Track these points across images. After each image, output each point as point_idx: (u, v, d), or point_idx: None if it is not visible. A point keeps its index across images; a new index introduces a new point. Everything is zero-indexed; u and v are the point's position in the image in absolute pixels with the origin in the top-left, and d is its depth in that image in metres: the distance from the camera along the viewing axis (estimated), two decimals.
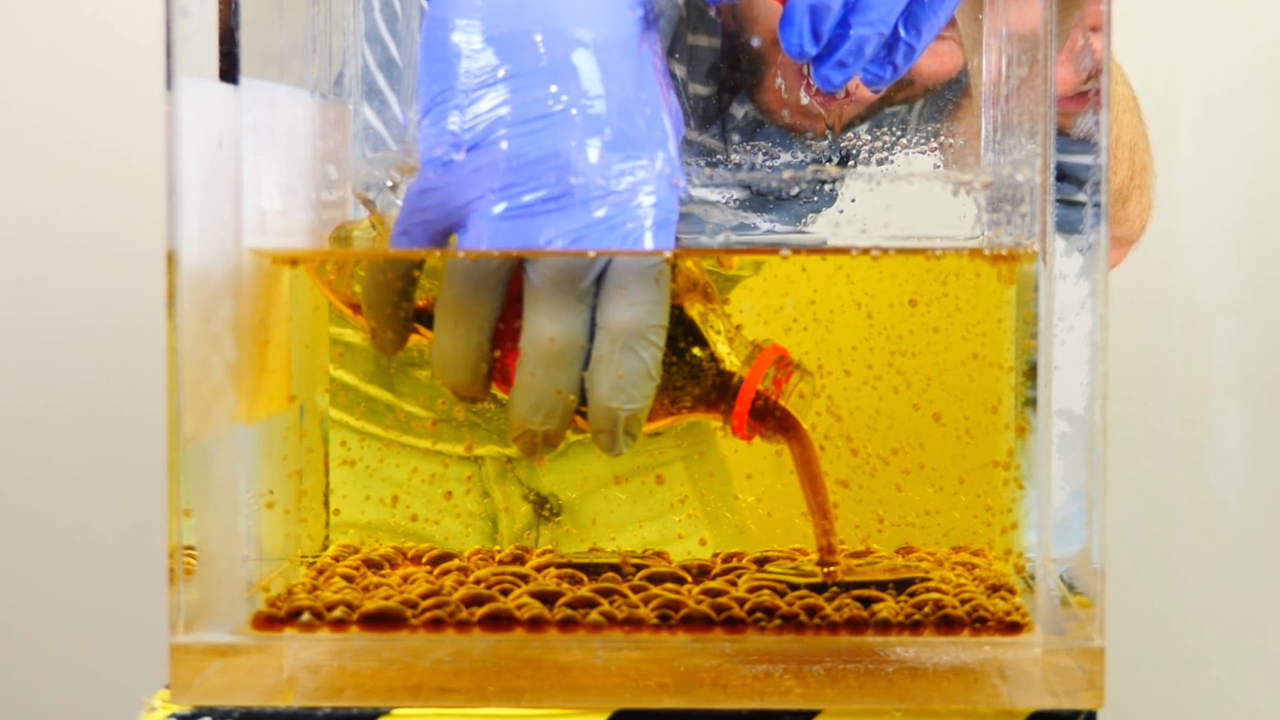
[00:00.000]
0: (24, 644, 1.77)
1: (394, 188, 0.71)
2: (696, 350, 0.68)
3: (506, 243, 0.64)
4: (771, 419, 0.69)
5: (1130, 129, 1.05)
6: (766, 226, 0.89)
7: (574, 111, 0.64)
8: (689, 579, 0.70)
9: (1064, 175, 0.66)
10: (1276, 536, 1.81)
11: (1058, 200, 0.66)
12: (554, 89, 0.64)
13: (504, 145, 0.64)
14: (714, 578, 0.70)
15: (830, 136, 0.83)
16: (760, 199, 0.86)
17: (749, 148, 0.92)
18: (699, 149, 0.94)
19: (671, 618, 0.65)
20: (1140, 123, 1.07)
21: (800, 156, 0.78)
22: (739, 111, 0.95)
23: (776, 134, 0.95)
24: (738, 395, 0.68)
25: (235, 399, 0.66)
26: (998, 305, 0.72)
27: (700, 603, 0.66)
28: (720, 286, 0.70)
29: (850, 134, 0.85)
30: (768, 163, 0.86)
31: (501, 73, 0.64)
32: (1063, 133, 0.66)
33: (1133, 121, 1.06)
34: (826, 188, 0.75)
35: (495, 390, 0.68)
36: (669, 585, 0.69)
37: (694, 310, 0.68)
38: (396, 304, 0.68)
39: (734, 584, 0.69)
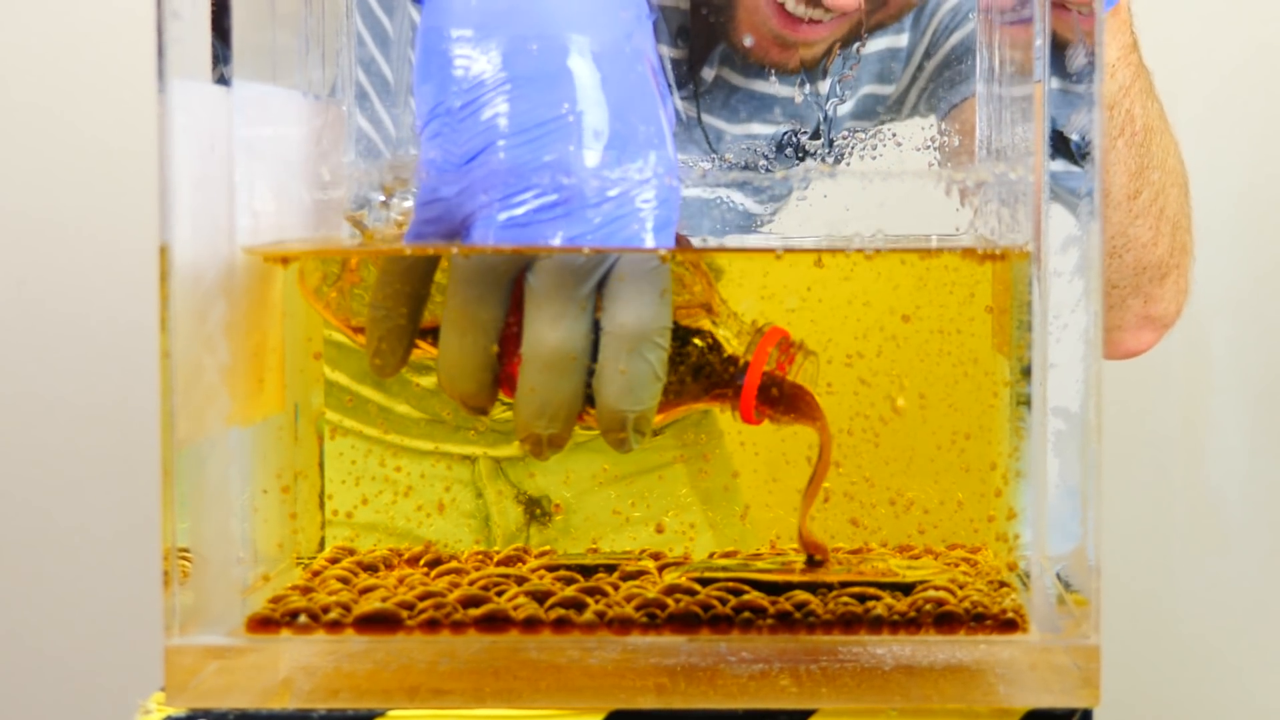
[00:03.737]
0: (21, 644, 1.77)
1: (385, 203, 0.71)
2: (698, 341, 0.68)
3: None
4: (780, 400, 0.69)
5: (1175, 205, 1.02)
6: (755, 209, 0.89)
7: (571, 118, 0.64)
8: (653, 574, 0.70)
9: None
10: (1276, 536, 1.81)
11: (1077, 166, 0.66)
12: (551, 96, 0.64)
13: (502, 155, 0.64)
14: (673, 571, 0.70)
15: (822, 60, 0.82)
16: (745, 172, 0.85)
17: (743, 149, 0.92)
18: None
19: (658, 616, 0.65)
20: (1186, 202, 1.04)
21: (781, 174, 0.77)
22: (709, 75, 0.94)
23: (747, 96, 0.95)
24: (744, 379, 0.68)
25: (229, 401, 0.66)
26: (994, 300, 0.72)
27: (680, 602, 0.66)
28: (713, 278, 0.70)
29: (845, 132, 0.85)
30: (763, 165, 0.86)
31: (498, 81, 0.64)
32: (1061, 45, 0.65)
33: (1178, 198, 1.03)
34: (814, 164, 0.75)
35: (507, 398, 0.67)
36: (643, 580, 0.69)
37: (695, 301, 0.68)
38: (403, 325, 0.68)
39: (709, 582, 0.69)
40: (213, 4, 0.65)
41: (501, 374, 0.67)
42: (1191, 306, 1.06)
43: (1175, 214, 1.02)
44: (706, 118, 0.95)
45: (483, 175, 0.64)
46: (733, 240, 0.86)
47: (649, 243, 0.64)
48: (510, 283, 0.66)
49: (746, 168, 0.87)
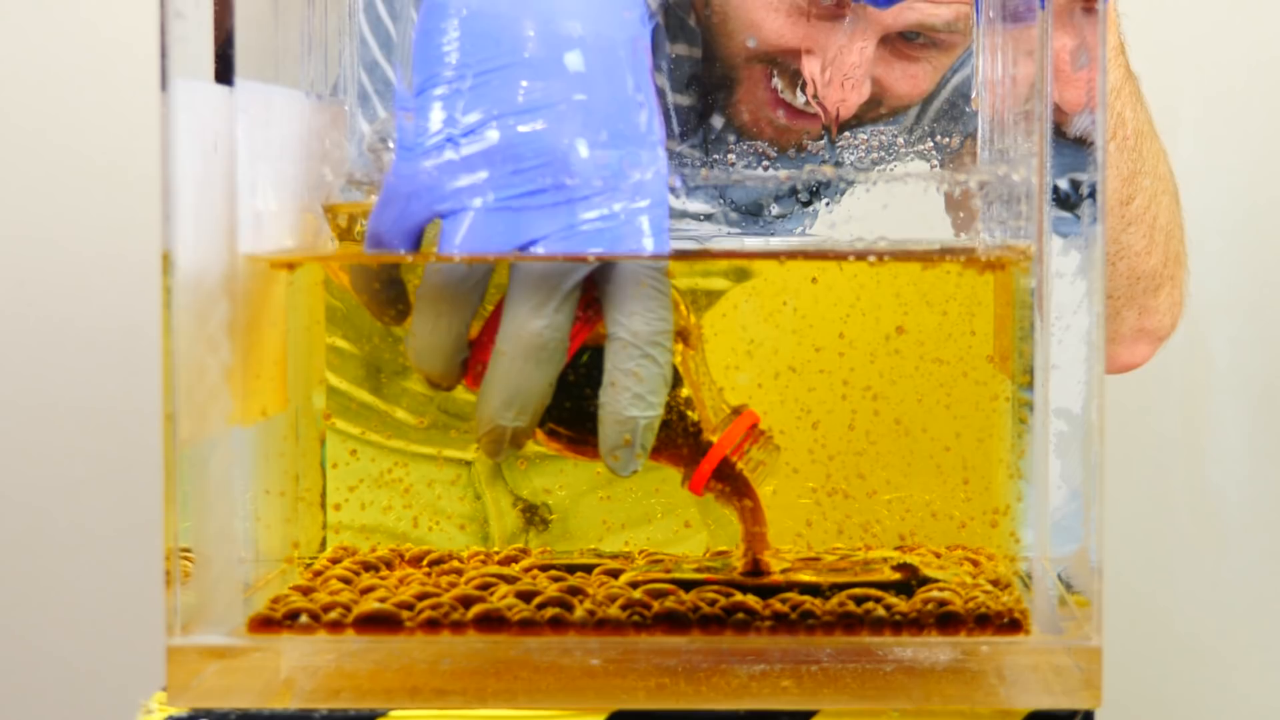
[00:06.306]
0: (21, 644, 1.77)
1: (388, 148, 0.71)
2: (680, 399, 0.68)
3: (494, 234, 0.64)
4: (728, 482, 0.69)
5: (1166, 213, 1.01)
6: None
7: (567, 106, 0.64)
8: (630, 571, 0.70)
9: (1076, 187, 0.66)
10: (1276, 536, 1.81)
11: (1071, 214, 0.66)
12: (548, 82, 0.64)
13: (494, 136, 0.63)
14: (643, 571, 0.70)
15: (826, 138, 0.83)
16: (749, 217, 0.85)
17: (737, 149, 0.92)
18: (679, 160, 0.93)
19: (646, 616, 0.65)
20: (1178, 211, 1.03)
21: (785, 175, 0.77)
22: (718, 122, 0.94)
23: (758, 145, 0.95)
24: (705, 455, 0.68)
25: (231, 401, 0.66)
26: (994, 306, 0.72)
27: (665, 602, 0.66)
28: (705, 300, 0.70)
29: (848, 133, 0.85)
30: (764, 164, 0.86)
31: (495, 63, 0.64)
32: (1058, 131, 0.66)
33: (1170, 206, 1.02)
34: (823, 203, 0.75)
35: (469, 390, 0.67)
36: (621, 580, 0.69)
37: (677, 359, 0.68)
38: (383, 286, 0.68)
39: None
40: (215, 3, 0.65)
41: (472, 365, 0.67)
42: (1191, 307, 1.06)
43: (1167, 222, 1.01)
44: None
45: (472, 155, 0.64)
46: (733, 243, 0.86)
47: (642, 242, 0.64)
48: (489, 268, 0.66)
49: (752, 212, 0.87)
